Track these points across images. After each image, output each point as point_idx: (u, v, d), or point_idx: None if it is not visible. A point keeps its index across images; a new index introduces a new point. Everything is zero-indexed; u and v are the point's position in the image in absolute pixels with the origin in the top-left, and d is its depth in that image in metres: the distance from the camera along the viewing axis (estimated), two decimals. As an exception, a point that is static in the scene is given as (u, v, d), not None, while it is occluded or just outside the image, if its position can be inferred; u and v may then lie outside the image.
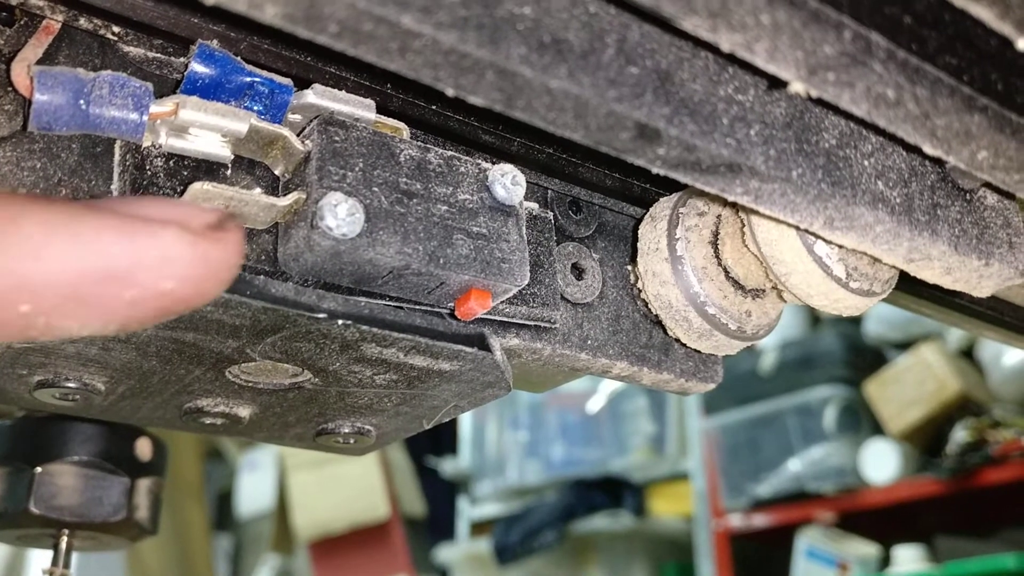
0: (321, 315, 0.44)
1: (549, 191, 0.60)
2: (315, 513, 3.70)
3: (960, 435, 2.65)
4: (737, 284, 0.56)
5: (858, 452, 2.80)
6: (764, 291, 0.57)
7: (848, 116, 0.43)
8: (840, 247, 0.50)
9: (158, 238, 0.32)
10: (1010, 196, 0.51)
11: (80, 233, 0.31)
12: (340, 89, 0.48)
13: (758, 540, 3.11)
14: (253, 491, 4.19)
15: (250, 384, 0.51)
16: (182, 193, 0.44)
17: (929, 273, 0.49)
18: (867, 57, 0.35)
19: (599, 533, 3.47)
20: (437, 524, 4.10)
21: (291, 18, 0.32)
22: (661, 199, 0.59)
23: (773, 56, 0.34)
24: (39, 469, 0.68)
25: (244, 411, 0.55)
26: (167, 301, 0.33)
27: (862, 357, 2.97)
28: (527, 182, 0.54)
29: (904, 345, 2.92)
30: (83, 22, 0.45)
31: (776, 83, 0.40)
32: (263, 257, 0.46)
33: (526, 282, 0.49)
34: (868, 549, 2.87)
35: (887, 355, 2.99)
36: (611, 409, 3.53)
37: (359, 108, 0.48)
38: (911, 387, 2.77)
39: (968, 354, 2.85)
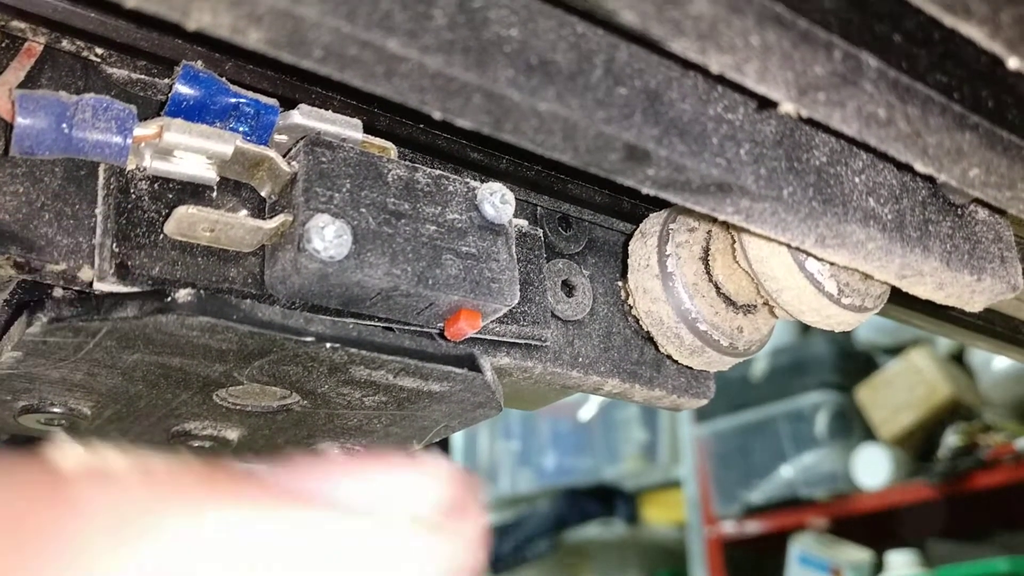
0: (309, 338, 0.44)
1: (539, 208, 0.59)
2: (307, 524, 3.68)
3: (951, 439, 2.65)
4: (728, 300, 0.56)
5: (850, 458, 2.80)
6: (755, 307, 0.57)
7: (839, 133, 0.43)
8: (832, 263, 0.49)
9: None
10: (1001, 211, 0.51)
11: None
12: (327, 109, 0.48)
13: (751, 547, 3.11)
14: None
15: (238, 407, 0.51)
16: (167, 216, 0.44)
17: (921, 289, 0.49)
18: (858, 76, 0.35)
19: (592, 542, 3.46)
20: (429, 534, 4.07)
21: (275, 43, 0.31)
22: (651, 215, 0.59)
23: (763, 77, 0.33)
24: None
25: (232, 433, 0.54)
26: None
27: (853, 362, 2.97)
28: (516, 199, 0.53)
29: (895, 350, 2.93)
30: (66, 44, 0.44)
31: (766, 103, 0.39)
32: (249, 280, 0.46)
33: (516, 302, 0.49)
34: (861, 555, 2.87)
35: (878, 360, 2.99)
36: (603, 417, 3.52)
37: (346, 128, 0.47)
38: (902, 392, 2.77)
39: (958, 359, 2.86)
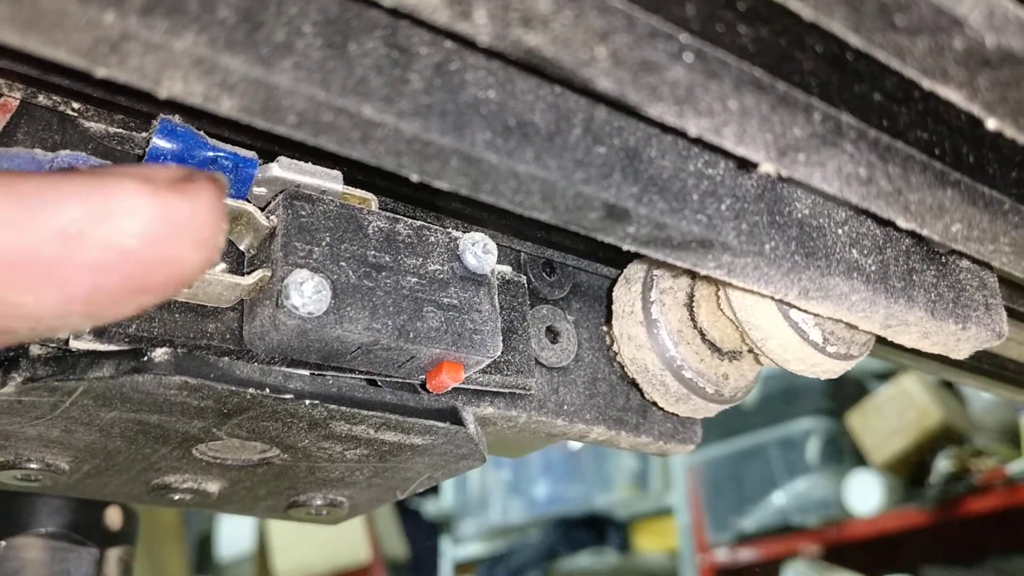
0: (287, 396, 0.43)
1: (522, 253, 0.59)
2: (296, 556, 3.65)
3: (943, 465, 2.65)
4: (713, 347, 0.55)
5: (842, 484, 2.80)
6: (741, 353, 0.56)
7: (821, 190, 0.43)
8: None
9: (112, 189, 0.28)
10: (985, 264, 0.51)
11: (24, 192, 0.27)
12: (307, 160, 0.47)
13: (744, 575, 3.09)
14: (233, 534, 4.14)
15: (218, 460, 0.50)
16: None
17: (907, 338, 0.48)
18: (837, 137, 0.35)
19: (584, 571, 3.43)
20: (420, 566, 4.05)
21: (248, 110, 0.31)
22: (635, 260, 0.59)
23: (742, 140, 0.33)
24: (4, 543, 0.66)
25: (213, 486, 0.54)
26: (135, 267, 0.28)
27: (844, 388, 2.97)
28: (500, 245, 0.52)
29: (885, 376, 2.93)
30: (42, 99, 0.44)
31: (745, 164, 0.39)
32: (228, 336, 0.45)
33: (499, 353, 0.48)
34: (854, 582, 2.86)
35: (868, 386, 2.99)
36: (594, 445, 3.51)
37: (326, 180, 0.47)
38: (893, 417, 2.77)
39: (949, 383, 2.86)
